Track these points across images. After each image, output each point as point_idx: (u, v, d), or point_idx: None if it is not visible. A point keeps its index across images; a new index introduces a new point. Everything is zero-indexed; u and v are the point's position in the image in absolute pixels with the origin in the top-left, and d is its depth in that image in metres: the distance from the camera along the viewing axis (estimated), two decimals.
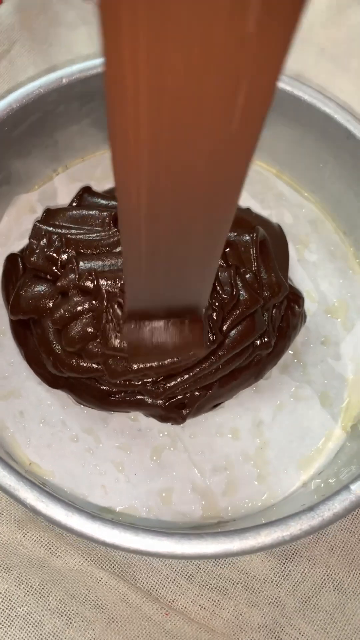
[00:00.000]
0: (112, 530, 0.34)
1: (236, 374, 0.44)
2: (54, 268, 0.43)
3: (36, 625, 0.40)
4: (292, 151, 0.52)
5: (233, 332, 0.42)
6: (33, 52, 0.58)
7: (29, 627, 0.40)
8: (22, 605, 0.40)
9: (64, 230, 0.44)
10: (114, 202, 0.49)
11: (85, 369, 0.42)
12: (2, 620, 0.40)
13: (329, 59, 0.62)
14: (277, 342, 0.46)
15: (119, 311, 0.39)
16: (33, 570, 0.41)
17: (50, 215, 0.47)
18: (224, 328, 0.42)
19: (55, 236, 0.43)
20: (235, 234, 0.46)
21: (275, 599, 0.41)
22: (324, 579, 0.42)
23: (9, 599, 0.40)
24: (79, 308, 0.41)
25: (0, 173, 0.48)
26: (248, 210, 0.50)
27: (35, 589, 0.40)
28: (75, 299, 0.41)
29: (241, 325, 0.43)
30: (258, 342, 0.44)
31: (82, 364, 0.42)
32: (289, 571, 0.42)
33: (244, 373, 0.45)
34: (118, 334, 0.38)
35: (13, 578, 0.40)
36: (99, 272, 0.41)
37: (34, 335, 0.45)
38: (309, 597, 0.42)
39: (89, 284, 0.40)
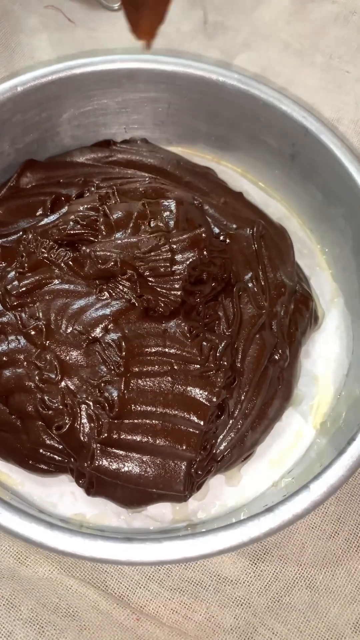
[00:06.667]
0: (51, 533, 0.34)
1: (265, 409, 0.42)
2: None
3: (8, 636, 0.40)
4: (254, 150, 0.51)
5: (248, 358, 0.40)
6: None
7: (0, 638, 0.40)
8: None
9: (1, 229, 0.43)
10: (57, 173, 0.48)
11: (3, 420, 0.39)
12: None
13: (293, 54, 0.62)
14: (290, 351, 0.43)
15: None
16: (3, 580, 0.41)
17: None
18: (239, 357, 0.40)
19: None
20: (235, 226, 0.45)
21: (247, 599, 0.41)
22: (296, 578, 0.42)
23: None
24: (20, 356, 0.37)
25: None
26: (240, 195, 0.49)
27: (6, 599, 0.40)
28: (14, 345, 0.38)
29: (253, 345, 0.40)
30: (277, 356, 0.42)
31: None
32: (261, 571, 0.42)
33: (274, 401, 0.42)
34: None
35: None
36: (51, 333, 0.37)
37: None
38: (281, 597, 0.42)
39: (35, 336, 0.37)
